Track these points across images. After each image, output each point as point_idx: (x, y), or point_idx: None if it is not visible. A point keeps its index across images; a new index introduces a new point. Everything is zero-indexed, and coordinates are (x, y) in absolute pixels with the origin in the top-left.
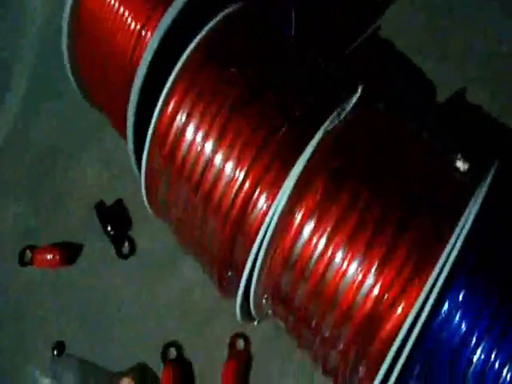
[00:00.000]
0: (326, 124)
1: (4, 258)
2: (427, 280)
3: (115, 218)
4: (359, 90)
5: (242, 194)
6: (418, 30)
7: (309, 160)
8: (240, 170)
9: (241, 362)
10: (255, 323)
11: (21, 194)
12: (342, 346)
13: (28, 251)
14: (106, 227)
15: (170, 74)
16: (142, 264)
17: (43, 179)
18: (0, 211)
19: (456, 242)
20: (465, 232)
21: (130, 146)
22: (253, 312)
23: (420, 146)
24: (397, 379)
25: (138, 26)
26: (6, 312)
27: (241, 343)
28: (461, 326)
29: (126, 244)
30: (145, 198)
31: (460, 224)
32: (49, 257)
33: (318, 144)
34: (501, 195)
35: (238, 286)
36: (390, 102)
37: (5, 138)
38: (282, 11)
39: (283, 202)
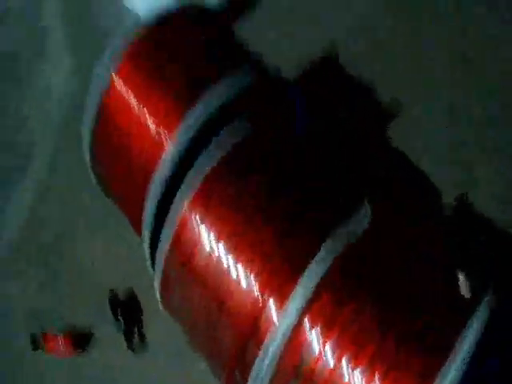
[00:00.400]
0: (334, 237)
1: (14, 340)
2: None
3: (127, 310)
4: (368, 208)
5: (252, 299)
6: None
7: (318, 272)
8: (252, 277)
9: None
10: None
11: (32, 275)
12: None
13: (39, 336)
14: (118, 319)
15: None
16: (152, 358)
17: (56, 261)
18: (11, 291)
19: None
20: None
21: (146, 250)
22: None
23: (427, 267)
24: None
25: (160, 133)
26: None
27: None
28: None
29: (137, 337)
30: (159, 300)
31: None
32: (60, 344)
33: (327, 257)
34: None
35: None
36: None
37: (21, 217)
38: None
39: (292, 311)
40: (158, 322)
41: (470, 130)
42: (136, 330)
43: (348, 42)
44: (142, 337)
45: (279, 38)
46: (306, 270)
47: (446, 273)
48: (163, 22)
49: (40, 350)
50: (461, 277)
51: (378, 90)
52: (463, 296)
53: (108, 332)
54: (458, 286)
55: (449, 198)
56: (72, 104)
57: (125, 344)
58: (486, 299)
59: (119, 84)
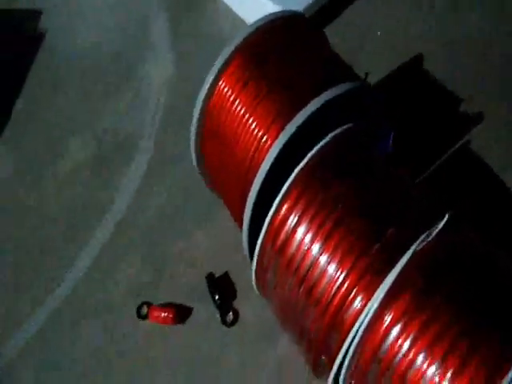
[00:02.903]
0: (415, 245)
1: (123, 311)
2: None
3: (222, 289)
4: (446, 216)
5: (340, 293)
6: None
7: (398, 274)
8: (341, 272)
9: None
10: None
11: (136, 257)
12: None
13: (145, 306)
14: (214, 296)
15: (284, 178)
16: (243, 333)
17: (156, 244)
18: (119, 271)
19: None
20: None
21: (245, 238)
22: None
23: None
24: None
25: (260, 133)
26: (124, 358)
27: None
28: None
29: (231, 313)
30: (254, 283)
31: None
32: (163, 314)
33: (407, 261)
34: None
35: (330, 371)
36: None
37: (128, 199)
38: (383, 129)
39: (375, 306)
40: (250, 301)
41: None
42: (230, 307)
43: None
44: (236, 314)
45: None
46: (389, 273)
47: None
48: (268, 31)
49: (144, 320)
50: None
51: None
52: None
53: (206, 310)
54: None
55: None
56: (172, 93)
57: (219, 318)
58: None
59: (227, 88)
